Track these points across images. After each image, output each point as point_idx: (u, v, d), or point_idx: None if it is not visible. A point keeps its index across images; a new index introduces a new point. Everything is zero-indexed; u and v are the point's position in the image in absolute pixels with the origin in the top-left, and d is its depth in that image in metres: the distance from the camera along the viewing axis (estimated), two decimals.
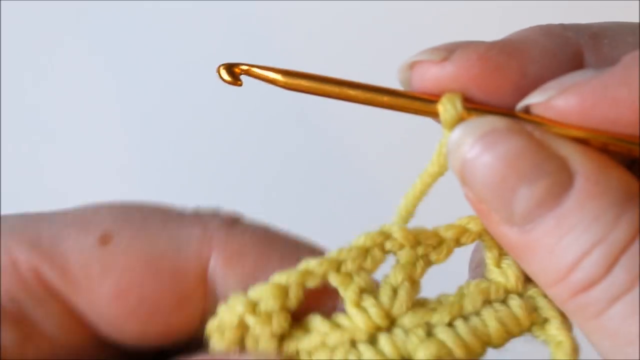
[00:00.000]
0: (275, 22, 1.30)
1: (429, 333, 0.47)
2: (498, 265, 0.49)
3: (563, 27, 0.49)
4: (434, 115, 0.48)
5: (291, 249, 0.49)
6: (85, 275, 0.47)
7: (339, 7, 1.27)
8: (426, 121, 0.50)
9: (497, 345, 0.48)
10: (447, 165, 0.48)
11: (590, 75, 0.44)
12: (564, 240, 0.43)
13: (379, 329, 0.47)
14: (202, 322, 0.48)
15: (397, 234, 0.48)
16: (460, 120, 0.47)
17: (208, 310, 0.48)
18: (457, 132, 0.46)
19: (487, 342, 0.47)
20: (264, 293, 0.46)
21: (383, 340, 0.47)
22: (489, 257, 0.50)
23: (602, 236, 0.42)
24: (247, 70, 0.49)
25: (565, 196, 0.43)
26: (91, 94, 1.29)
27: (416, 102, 0.48)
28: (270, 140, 1.28)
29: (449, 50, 0.47)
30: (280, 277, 0.47)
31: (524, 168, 0.43)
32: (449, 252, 0.49)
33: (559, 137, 0.44)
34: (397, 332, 0.47)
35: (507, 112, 0.47)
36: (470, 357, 0.47)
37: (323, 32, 1.28)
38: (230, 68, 0.49)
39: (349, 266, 0.48)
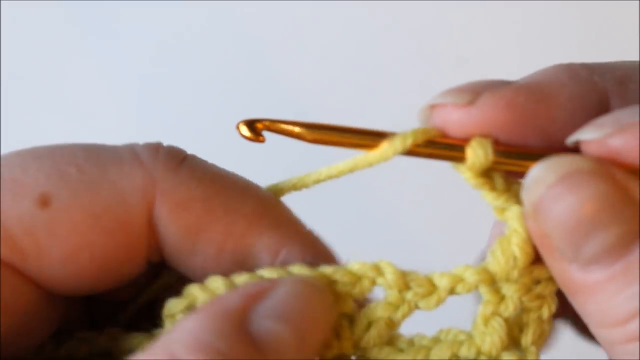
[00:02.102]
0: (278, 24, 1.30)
1: None
2: (486, 323, 0.49)
3: (588, 69, 0.49)
4: (456, 159, 0.48)
5: (238, 200, 0.49)
6: (31, 242, 0.45)
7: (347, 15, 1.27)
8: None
9: None
10: (388, 157, 0.48)
11: None
12: (628, 289, 0.43)
13: (344, 353, 0.49)
14: (146, 263, 0.49)
15: (389, 275, 0.48)
16: (488, 165, 0.47)
17: (152, 251, 0.48)
18: (539, 167, 0.45)
19: None
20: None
21: None
22: (481, 312, 0.49)
23: None
24: (269, 125, 0.48)
25: (636, 246, 0.43)
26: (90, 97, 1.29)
27: (441, 147, 0.48)
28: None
29: (474, 93, 0.47)
30: (271, 273, 0.47)
31: (603, 214, 0.43)
32: (440, 302, 0.49)
33: (636, 181, 0.44)
34: None
35: (539, 152, 0.47)
36: None
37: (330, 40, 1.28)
38: (251, 124, 0.47)
39: (339, 288, 0.48)
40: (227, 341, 0.42)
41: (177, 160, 0.48)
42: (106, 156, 0.47)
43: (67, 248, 0.46)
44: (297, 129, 0.47)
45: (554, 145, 0.47)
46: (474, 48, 1.23)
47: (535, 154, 0.46)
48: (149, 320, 0.50)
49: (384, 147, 0.47)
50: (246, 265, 0.48)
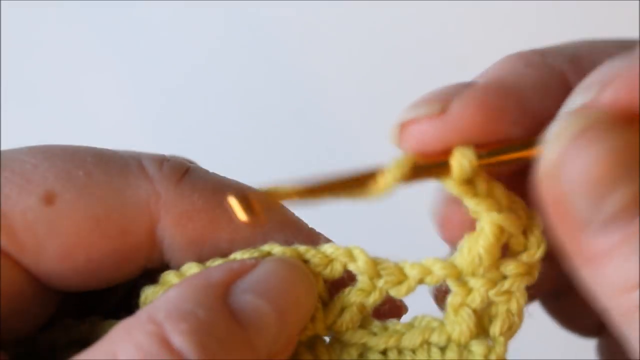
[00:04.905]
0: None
1: (362, 355, 0.50)
2: (455, 313, 0.50)
3: (540, 54, 0.49)
4: (442, 174, 0.47)
5: None
6: (31, 236, 0.47)
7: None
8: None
9: None
10: (381, 194, 0.47)
11: (626, 60, 0.43)
12: None
13: (318, 335, 0.51)
14: (144, 269, 0.50)
15: (361, 262, 0.50)
16: (474, 173, 0.46)
17: (151, 259, 0.50)
18: (560, 122, 0.44)
19: None
20: None
21: (320, 347, 0.51)
22: (450, 302, 0.50)
23: None
24: (265, 201, 0.47)
25: None
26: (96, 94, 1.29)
27: (426, 168, 0.47)
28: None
29: (443, 101, 0.46)
30: (245, 254, 0.49)
31: (626, 165, 0.41)
32: (410, 290, 0.50)
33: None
34: (335, 345, 0.51)
35: (519, 143, 0.47)
36: None
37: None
38: (245, 201, 0.46)
39: (311, 268, 0.50)
40: (207, 310, 0.43)
41: (180, 172, 0.49)
42: (114, 164, 0.49)
43: (64, 246, 0.47)
44: (293, 196, 0.47)
45: (532, 133, 0.46)
46: (474, 48, 1.23)
47: (516, 145, 0.47)
48: (128, 310, 0.50)
49: (376, 190, 0.46)
50: None
